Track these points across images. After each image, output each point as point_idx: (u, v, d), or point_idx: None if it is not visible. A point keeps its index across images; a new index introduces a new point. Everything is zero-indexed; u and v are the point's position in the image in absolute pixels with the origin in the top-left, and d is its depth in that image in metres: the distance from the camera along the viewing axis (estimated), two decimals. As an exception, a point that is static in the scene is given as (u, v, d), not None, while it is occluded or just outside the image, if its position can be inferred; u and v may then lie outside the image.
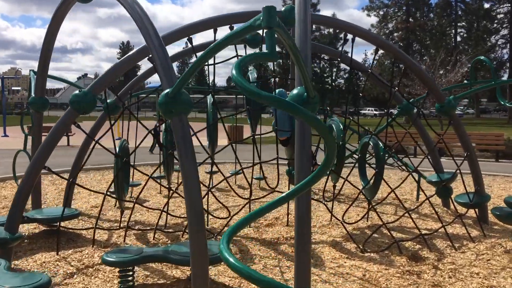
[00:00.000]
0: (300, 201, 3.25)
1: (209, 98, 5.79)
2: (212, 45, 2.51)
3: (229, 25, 4.68)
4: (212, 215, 5.72)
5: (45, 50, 5.05)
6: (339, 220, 5.25)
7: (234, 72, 1.74)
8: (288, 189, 5.40)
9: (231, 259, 1.45)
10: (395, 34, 51.92)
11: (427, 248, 4.95)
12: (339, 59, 5.24)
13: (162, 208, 5.13)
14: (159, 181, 5.91)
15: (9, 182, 8.74)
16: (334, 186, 5.90)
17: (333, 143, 1.79)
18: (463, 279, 4.15)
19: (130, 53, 4.41)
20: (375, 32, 51.91)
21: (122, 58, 4.45)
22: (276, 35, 2.18)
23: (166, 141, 5.41)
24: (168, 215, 5.54)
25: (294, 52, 2.68)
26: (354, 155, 6.91)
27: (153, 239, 5.16)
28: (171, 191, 5.50)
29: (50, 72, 5.47)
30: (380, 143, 5.57)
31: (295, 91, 3.27)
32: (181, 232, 5.25)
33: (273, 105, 1.66)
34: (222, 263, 4.34)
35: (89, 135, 4.46)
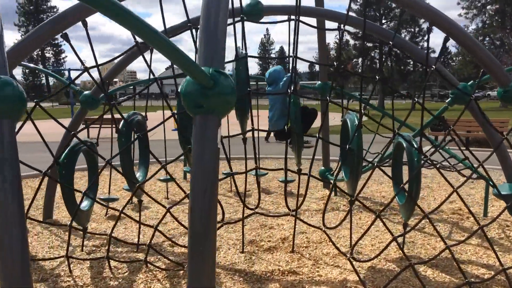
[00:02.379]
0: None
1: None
2: None
3: None
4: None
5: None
6: (344, 254, 3.75)
7: None
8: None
9: None
10: (488, 7, 46.44)
11: (477, 305, 3.33)
12: (343, 27, 3.68)
13: (109, 234, 3.94)
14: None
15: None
16: (351, 201, 4.38)
17: None
18: None
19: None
20: (465, 5, 46.94)
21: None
22: None
23: (121, 145, 4.22)
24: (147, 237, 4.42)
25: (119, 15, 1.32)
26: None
27: (110, 270, 4.04)
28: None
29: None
30: (414, 144, 3.97)
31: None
32: (143, 260, 4.08)
33: None
34: None
35: None
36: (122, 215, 3.67)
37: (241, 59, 4.06)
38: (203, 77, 1.80)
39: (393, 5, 38.24)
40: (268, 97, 5.77)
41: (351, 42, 47.71)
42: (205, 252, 1.93)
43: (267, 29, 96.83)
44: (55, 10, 66.87)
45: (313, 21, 6.44)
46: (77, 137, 3.45)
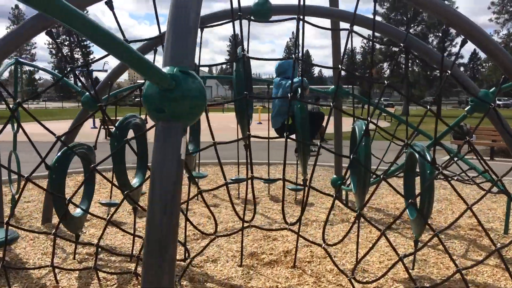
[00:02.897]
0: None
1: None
2: None
3: None
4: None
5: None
6: (345, 274, 3.45)
7: None
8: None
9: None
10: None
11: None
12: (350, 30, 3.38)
13: (96, 243, 3.72)
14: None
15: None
16: (358, 215, 4.05)
17: None
18: None
19: None
20: (496, 10, 45.67)
21: None
22: None
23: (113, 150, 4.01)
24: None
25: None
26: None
27: (98, 281, 3.82)
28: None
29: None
30: (428, 155, 3.64)
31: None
32: (132, 273, 3.86)
33: None
34: None
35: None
36: (123, 221, 3.48)
37: (240, 60, 3.81)
38: (161, 78, 1.56)
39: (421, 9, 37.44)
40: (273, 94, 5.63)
41: (377, 46, 46.96)
42: (163, 273, 1.69)
43: (293, 33, 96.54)
44: (114, 17, 67.90)
45: (327, 22, 6.17)
46: (62, 141, 3.26)
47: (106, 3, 3.07)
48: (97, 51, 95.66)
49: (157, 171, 1.67)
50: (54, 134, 3.25)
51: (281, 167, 9.30)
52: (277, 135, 5.37)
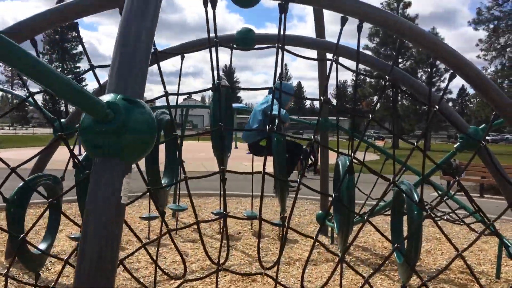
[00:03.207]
0: None
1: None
2: None
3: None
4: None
5: None
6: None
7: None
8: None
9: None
10: (508, 49, 45.86)
11: None
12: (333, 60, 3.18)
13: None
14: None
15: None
16: (341, 259, 3.77)
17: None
18: None
19: None
20: (484, 47, 46.48)
21: None
22: None
23: (78, 181, 3.74)
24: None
25: None
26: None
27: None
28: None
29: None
30: (415, 194, 3.41)
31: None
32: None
33: None
34: None
35: None
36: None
37: (217, 89, 3.59)
38: (94, 107, 1.31)
39: (410, 44, 38.08)
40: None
41: (367, 79, 47.50)
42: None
43: (285, 64, 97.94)
44: (79, 40, 68.35)
45: (315, 54, 6.03)
46: (17, 173, 2.99)
47: (72, 27, 2.86)
48: (89, 79, 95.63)
49: (90, 217, 1.41)
50: (8, 165, 2.98)
51: (266, 200, 9.03)
52: (254, 154, 5.24)
